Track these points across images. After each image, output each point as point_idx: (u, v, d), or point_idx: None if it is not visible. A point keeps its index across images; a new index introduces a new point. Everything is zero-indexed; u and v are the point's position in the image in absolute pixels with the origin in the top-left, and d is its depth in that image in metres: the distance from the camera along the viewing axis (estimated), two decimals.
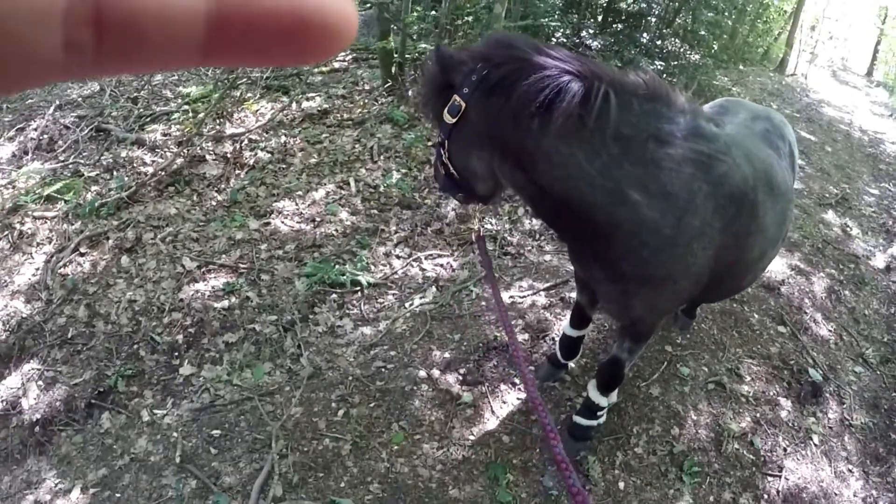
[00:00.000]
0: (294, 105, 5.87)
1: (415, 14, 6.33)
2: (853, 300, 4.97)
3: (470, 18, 5.60)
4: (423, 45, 6.02)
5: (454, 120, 1.93)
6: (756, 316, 4.29)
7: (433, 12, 6.27)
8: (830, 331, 4.43)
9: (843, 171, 8.94)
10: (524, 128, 1.81)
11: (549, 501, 2.71)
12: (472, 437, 2.90)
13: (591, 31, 9.47)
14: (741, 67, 14.43)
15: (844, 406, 3.73)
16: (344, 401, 3.02)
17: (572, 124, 1.78)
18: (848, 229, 6.48)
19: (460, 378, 3.22)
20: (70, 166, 4.74)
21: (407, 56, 6.18)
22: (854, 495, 3.16)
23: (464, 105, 1.89)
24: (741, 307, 4.32)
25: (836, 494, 3.12)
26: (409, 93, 6.04)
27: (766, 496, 2.98)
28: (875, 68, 31.46)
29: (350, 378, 3.15)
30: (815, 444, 3.37)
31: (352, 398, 3.04)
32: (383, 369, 3.23)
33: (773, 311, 4.40)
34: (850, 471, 3.29)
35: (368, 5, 6.32)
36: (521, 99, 1.77)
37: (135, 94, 5.98)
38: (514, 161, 1.94)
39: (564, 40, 8.64)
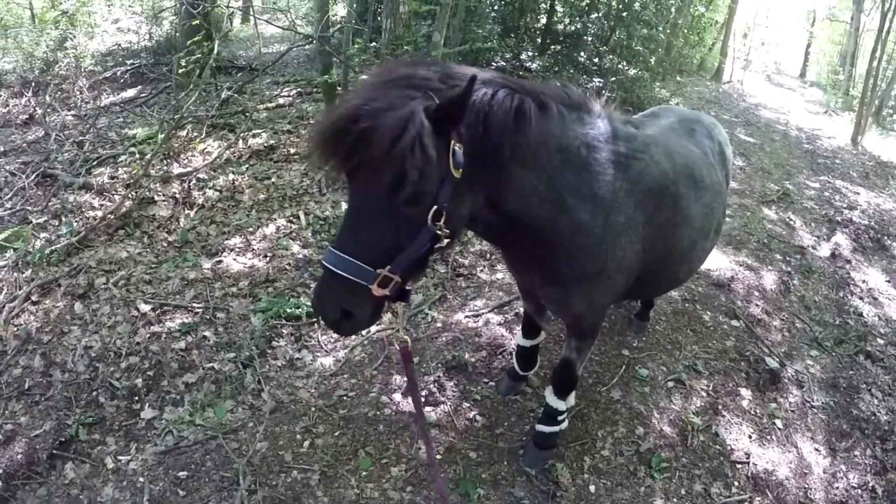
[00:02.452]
0: (241, 142, 5.86)
1: (356, 46, 6.41)
2: (802, 289, 5.13)
3: (409, 48, 5.69)
4: (365, 77, 6.08)
5: (459, 172, 1.61)
6: (709, 313, 4.40)
7: (373, 44, 6.35)
8: (783, 320, 4.55)
9: (783, 168, 9.26)
10: (502, 157, 1.73)
11: None
12: (439, 457, 2.88)
13: (529, 54, 9.69)
14: (678, 79, 14.93)
15: (804, 389, 3.83)
16: (308, 432, 2.99)
17: (525, 146, 1.76)
18: (791, 222, 6.71)
19: (423, 400, 3.21)
20: (17, 213, 4.63)
21: (350, 88, 6.22)
22: (823, 472, 3.24)
23: (461, 150, 1.60)
24: (693, 306, 4.43)
25: (805, 473, 3.20)
26: None
27: (736, 483, 3.03)
28: (807, 69, 32.86)
29: (313, 409, 3.13)
30: (780, 429, 3.45)
31: (316, 428, 3.01)
32: (345, 398, 3.21)
33: (724, 307, 4.52)
34: (816, 450, 3.37)
35: (310, 39, 6.37)
36: (500, 127, 1.68)
37: (80, 138, 5.90)
38: (489, 196, 1.81)
39: (504, 64, 8.82)
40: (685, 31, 15.07)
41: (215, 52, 5.76)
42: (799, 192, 8.04)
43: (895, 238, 6.80)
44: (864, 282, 5.52)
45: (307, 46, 7.80)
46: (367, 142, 1.41)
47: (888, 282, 5.67)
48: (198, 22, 5.83)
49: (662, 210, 2.25)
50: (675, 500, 2.88)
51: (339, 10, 9.23)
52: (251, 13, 11.43)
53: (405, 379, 3.33)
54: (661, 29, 11.26)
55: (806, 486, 3.13)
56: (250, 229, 4.65)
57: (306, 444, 2.92)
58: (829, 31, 31.63)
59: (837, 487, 3.17)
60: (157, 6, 9.55)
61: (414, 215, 1.57)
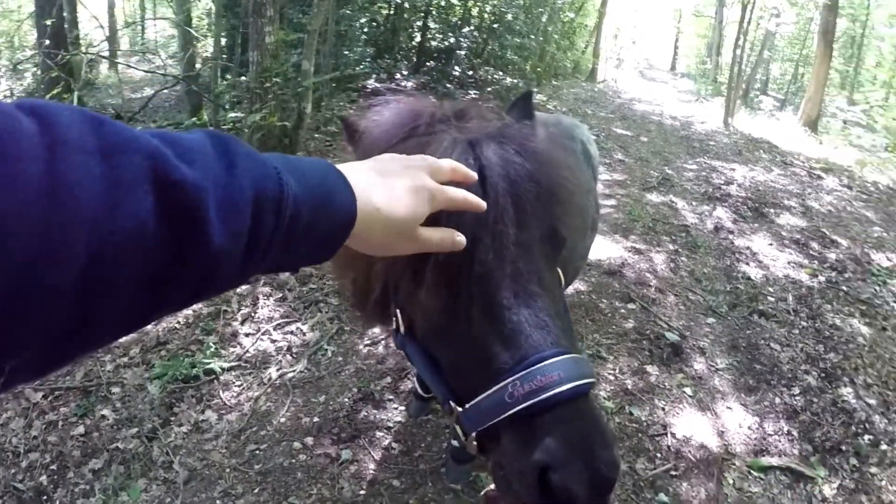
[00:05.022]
0: None
1: (224, 83, 6.26)
2: (691, 264, 5.43)
3: (279, 79, 5.57)
4: (235, 114, 5.89)
5: None
6: (605, 301, 4.56)
7: (243, 78, 6.21)
8: (677, 295, 4.79)
9: (661, 155, 9.81)
10: None
11: None
12: (363, 492, 2.83)
13: (404, 73, 9.81)
14: (554, 83, 15.56)
15: (706, 355, 4.04)
16: (227, 495, 2.86)
17: None
18: (674, 204, 7.11)
19: (335, 437, 3.15)
20: None
21: (223, 128, 6.04)
22: (739, 426, 3.42)
23: None
24: (589, 297, 4.58)
25: (723, 431, 3.37)
26: None
27: (658, 455, 3.14)
28: (677, 62, 35.32)
29: (227, 470, 2.99)
30: (690, 396, 3.62)
31: (234, 490, 2.88)
32: (258, 451, 3.10)
33: (619, 293, 4.70)
34: (728, 408, 3.57)
35: (178, 80, 6.19)
36: None
37: None
38: None
39: (378, 86, 8.89)
40: (556, 37, 15.74)
41: (75, 102, 5.49)
42: (678, 176, 8.53)
43: (772, 206, 7.35)
44: (748, 248, 5.92)
45: (176, 87, 7.53)
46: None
47: (770, 245, 6.10)
48: (57, 73, 5.55)
49: None
50: None
51: (209, 47, 8.99)
52: (117, 57, 10.88)
53: (315, 420, 3.26)
54: (532, 37, 11.72)
55: (725, 442, 3.29)
56: None
57: None
58: (695, 26, 34.16)
59: (755, 438, 3.36)
60: (15, 59, 9.04)
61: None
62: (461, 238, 0.89)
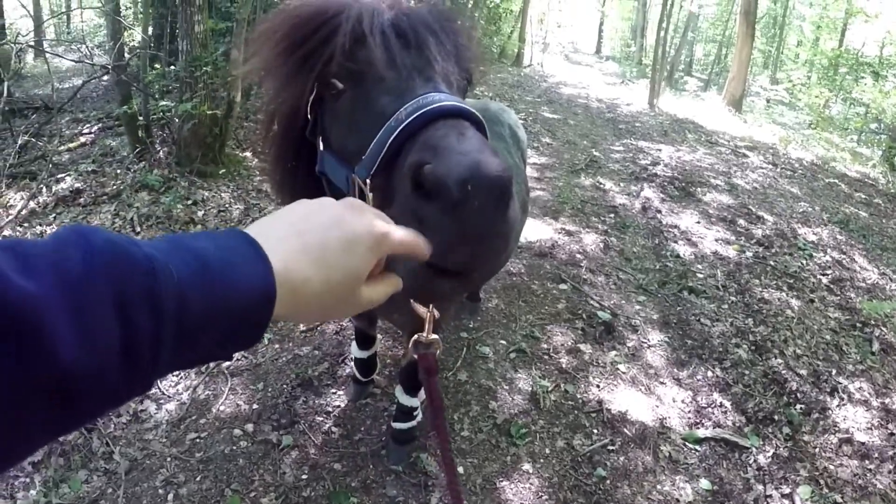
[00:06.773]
0: (45, 190, 5.38)
1: (154, 72, 6.10)
2: (620, 244, 5.60)
3: (209, 68, 5.48)
4: (165, 103, 5.79)
5: None
6: (537, 282, 4.66)
7: (172, 67, 6.07)
8: (607, 275, 4.94)
9: (588, 137, 10.02)
10: None
11: None
12: (305, 477, 2.84)
13: None
14: (481, 68, 15.74)
15: (638, 332, 4.17)
16: (169, 484, 2.82)
17: None
18: (602, 185, 7.29)
19: (275, 424, 3.15)
20: None
21: (153, 117, 5.94)
22: (673, 401, 3.56)
23: None
24: (521, 279, 4.68)
25: (657, 406, 3.50)
26: (160, 154, 5.80)
27: (595, 431, 3.25)
28: (602, 45, 36.06)
29: (168, 459, 2.95)
30: (624, 372, 3.75)
31: (176, 478, 2.85)
32: (198, 440, 3.07)
33: (550, 274, 4.81)
34: (662, 383, 3.70)
35: (106, 70, 5.99)
36: None
37: None
38: None
39: None
40: (482, 22, 15.80)
41: (5, 94, 5.25)
42: (605, 157, 8.74)
43: (699, 184, 7.60)
44: (675, 227, 6.12)
45: (105, 77, 7.29)
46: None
47: (698, 223, 6.31)
48: None
49: None
50: (541, 460, 3.03)
51: (137, 36, 8.73)
52: (42, 47, 10.40)
53: (254, 407, 3.24)
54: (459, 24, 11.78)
55: (660, 416, 3.41)
56: None
57: (170, 497, 2.75)
58: (619, 9, 35.00)
59: (689, 411, 3.49)
60: None
61: None
62: (399, 281, 0.79)
